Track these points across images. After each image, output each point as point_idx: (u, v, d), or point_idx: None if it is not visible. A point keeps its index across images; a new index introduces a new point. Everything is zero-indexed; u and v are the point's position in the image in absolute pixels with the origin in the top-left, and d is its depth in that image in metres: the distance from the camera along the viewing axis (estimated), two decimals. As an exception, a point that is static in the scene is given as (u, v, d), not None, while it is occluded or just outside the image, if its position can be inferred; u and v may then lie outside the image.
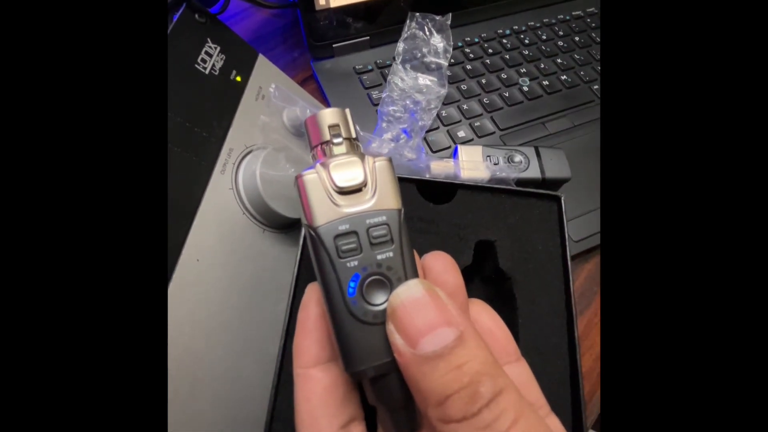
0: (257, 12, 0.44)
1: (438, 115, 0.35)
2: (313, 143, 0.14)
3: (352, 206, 0.12)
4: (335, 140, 0.13)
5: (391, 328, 0.11)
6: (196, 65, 0.22)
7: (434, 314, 0.11)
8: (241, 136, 0.23)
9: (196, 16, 0.23)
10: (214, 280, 0.19)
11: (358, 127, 0.14)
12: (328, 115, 0.13)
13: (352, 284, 0.12)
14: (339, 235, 0.12)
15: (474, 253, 0.20)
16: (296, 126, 0.26)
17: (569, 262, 0.19)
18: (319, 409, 0.12)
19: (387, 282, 0.12)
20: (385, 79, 0.36)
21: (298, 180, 0.12)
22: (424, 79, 0.35)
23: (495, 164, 0.28)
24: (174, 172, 0.19)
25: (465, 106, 0.35)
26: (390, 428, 0.13)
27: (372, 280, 0.12)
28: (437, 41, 0.35)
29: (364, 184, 0.12)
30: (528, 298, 0.19)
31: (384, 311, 0.12)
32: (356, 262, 0.12)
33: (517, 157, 0.28)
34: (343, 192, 0.12)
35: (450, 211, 0.20)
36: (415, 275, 0.12)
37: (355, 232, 0.12)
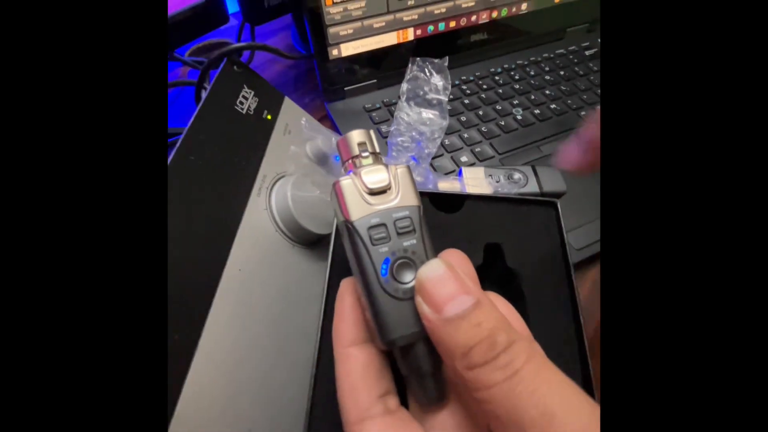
0: (276, 63, 0.49)
1: (442, 144, 0.38)
2: (345, 158, 0.16)
3: (380, 204, 0.15)
4: (363, 154, 0.16)
5: (419, 299, 0.13)
6: (236, 107, 0.26)
7: (454, 285, 0.13)
8: (272, 165, 0.26)
9: (234, 67, 0.27)
10: (253, 288, 0.22)
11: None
12: (356, 135, 0.16)
13: (384, 266, 0.14)
14: (371, 227, 0.14)
15: (484, 255, 0.22)
16: (317, 155, 0.29)
17: (570, 260, 0.22)
18: (359, 382, 0.14)
19: (412, 264, 0.14)
20: (392, 115, 0.40)
21: (335, 185, 0.15)
22: (427, 113, 0.39)
23: (497, 182, 0.31)
24: (218, 196, 0.22)
25: (466, 135, 0.39)
26: (419, 396, 0.15)
27: (400, 263, 0.14)
28: (437, 80, 0.40)
29: (389, 186, 0.15)
30: (535, 294, 0.21)
31: (411, 288, 0.14)
32: (386, 248, 0.14)
33: (516, 175, 0.31)
34: (373, 193, 0.15)
35: (459, 219, 0.23)
36: (435, 257, 0.15)
37: (384, 224, 0.14)
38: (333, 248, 0.21)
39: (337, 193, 0.15)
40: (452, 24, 0.43)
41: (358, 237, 0.14)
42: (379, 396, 0.14)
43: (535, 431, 0.11)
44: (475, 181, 0.30)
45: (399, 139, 0.37)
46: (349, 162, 0.16)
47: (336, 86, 0.41)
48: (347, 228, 0.15)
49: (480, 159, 0.37)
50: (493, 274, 0.23)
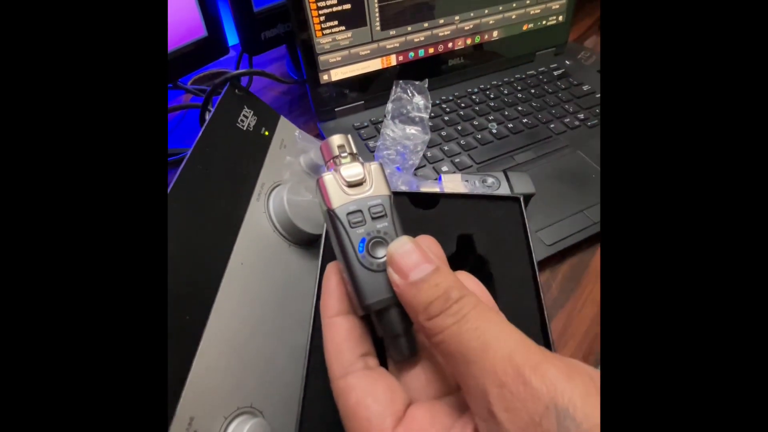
0: (272, 89, 0.54)
1: (424, 156, 0.42)
2: (327, 159, 0.19)
3: (357, 194, 0.18)
4: (342, 155, 0.19)
5: (390, 270, 0.16)
6: (237, 124, 0.29)
7: (417, 256, 0.16)
8: (269, 174, 0.30)
9: (236, 90, 0.31)
10: (254, 280, 0.24)
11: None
12: (336, 139, 0.19)
13: (361, 244, 0.17)
14: (349, 213, 0.17)
15: (456, 245, 0.25)
16: (310, 165, 0.32)
17: (531, 246, 0.25)
18: (343, 344, 0.17)
19: (384, 242, 0.17)
20: (379, 132, 0.44)
21: (319, 180, 0.18)
22: (411, 129, 0.43)
23: (473, 186, 0.34)
24: (223, 200, 0.25)
25: (446, 148, 0.43)
26: (395, 354, 0.17)
27: (374, 242, 0.17)
28: (419, 100, 0.44)
29: (364, 179, 0.18)
30: (502, 275, 0.24)
31: (383, 262, 0.17)
32: (362, 230, 0.17)
33: (490, 180, 0.34)
34: (350, 185, 0.18)
35: (435, 214, 0.26)
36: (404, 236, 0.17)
37: (360, 211, 0.17)
38: (324, 247, 0.24)
39: (320, 186, 0.18)
40: (431, 50, 0.48)
41: (339, 221, 0.17)
42: (360, 355, 0.17)
43: (476, 356, 0.13)
44: (453, 185, 0.34)
45: (385, 152, 0.41)
46: (330, 161, 0.19)
47: (327, 108, 0.45)
48: (330, 215, 0.17)
49: (459, 168, 0.41)
50: (466, 261, 0.26)
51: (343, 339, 0.17)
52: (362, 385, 0.16)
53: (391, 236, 0.17)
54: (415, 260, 0.15)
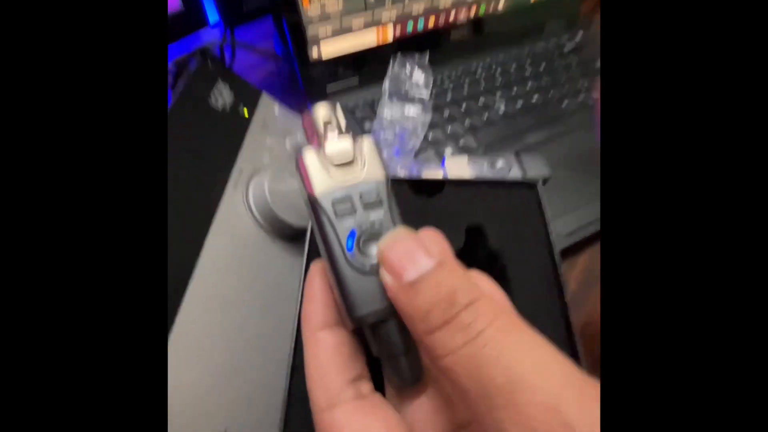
0: (258, 69, 0.49)
1: (425, 138, 0.38)
2: (309, 134, 0.15)
3: (345, 177, 0.14)
4: (329, 129, 0.15)
5: (382, 270, 0.12)
6: (209, 101, 0.25)
7: (413, 248, 0.12)
8: (249, 159, 0.26)
9: (209, 62, 0.27)
10: (230, 282, 0.21)
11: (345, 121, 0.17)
12: (321, 110, 0.15)
13: (350, 240, 0.13)
14: (336, 201, 0.14)
15: (465, 238, 0.21)
16: (297, 150, 0.29)
17: (553, 242, 0.21)
18: (328, 366, 0.13)
19: (380, 237, 0.13)
20: (375, 113, 0.40)
21: (298, 158, 0.14)
22: (410, 109, 0.39)
23: (480, 169, 0.31)
24: (190, 189, 0.22)
25: (449, 129, 0.39)
26: (393, 378, 0.14)
27: (367, 237, 0.13)
28: (419, 77, 0.40)
29: (355, 159, 0.14)
30: (519, 276, 0.21)
31: (361, 261, 0.13)
32: (352, 222, 0.13)
33: (500, 163, 0.31)
34: (338, 165, 0.14)
35: (440, 202, 0.22)
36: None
37: (349, 197, 0.14)
38: (309, 242, 0.20)
39: (300, 166, 0.14)
40: (431, 23, 0.44)
41: (323, 211, 0.14)
42: (350, 381, 0.13)
43: (502, 399, 0.10)
44: (459, 169, 0.30)
45: (382, 134, 0.37)
46: (313, 137, 0.15)
47: (318, 87, 0.41)
48: (311, 203, 0.14)
49: (464, 151, 0.37)
50: (476, 256, 0.22)
51: (329, 360, 0.13)
52: (353, 422, 0.12)
53: (388, 229, 0.14)
54: (413, 255, 0.12)
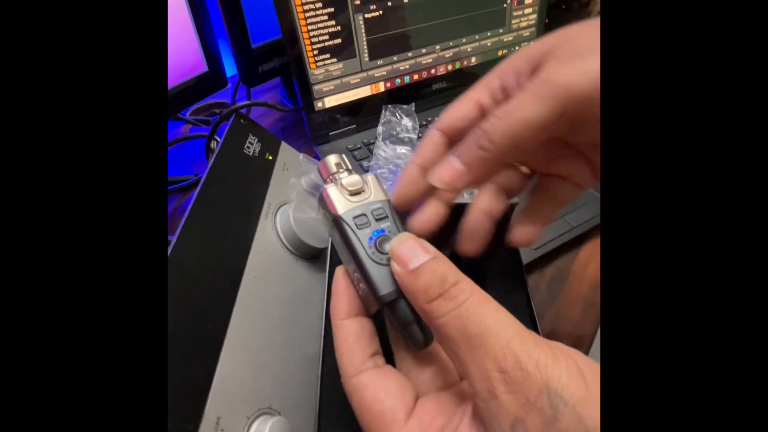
0: (269, 117, 0.57)
1: (415, 173, 0.45)
2: (326, 176, 0.21)
3: (359, 201, 0.19)
4: (340, 171, 0.20)
5: (393, 263, 0.17)
6: (244, 151, 0.32)
7: (416, 247, 0.17)
8: (275, 195, 0.32)
9: (241, 120, 0.33)
10: (267, 292, 0.27)
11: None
12: (333, 158, 0.21)
13: (369, 241, 0.18)
14: (355, 217, 0.19)
15: (449, 252, 0.27)
16: (312, 186, 0.35)
17: (521, 256, 0.27)
18: (354, 345, 0.18)
19: (390, 238, 0.18)
20: (372, 153, 0.47)
21: (323, 192, 0.19)
22: (401, 149, 0.46)
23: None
24: (235, 219, 0.28)
25: (435, 165, 0.46)
26: (410, 342, 0.18)
27: (381, 239, 0.18)
28: (407, 122, 0.47)
29: (363, 187, 0.19)
30: (493, 278, 0.26)
31: (382, 255, 0.18)
32: (369, 230, 0.18)
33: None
34: (352, 194, 0.19)
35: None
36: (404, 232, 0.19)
37: (364, 214, 0.19)
38: (330, 258, 0.26)
39: (325, 197, 0.19)
40: (416, 76, 0.52)
41: (347, 225, 0.18)
42: (369, 355, 0.18)
43: (477, 343, 0.14)
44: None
45: (378, 171, 0.44)
46: (329, 178, 0.20)
47: (322, 132, 0.48)
48: (337, 221, 0.18)
49: (448, 183, 0.44)
50: (458, 264, 0.28)
51: (354, 340, 0.18)
52: (375, 382, 0.17)
53: (395, 233, 0.19)
54: (414, 251, 0.17)
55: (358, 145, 0.48)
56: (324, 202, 0.19)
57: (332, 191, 0.19)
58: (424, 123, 0.51)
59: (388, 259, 0.18)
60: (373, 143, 0.48)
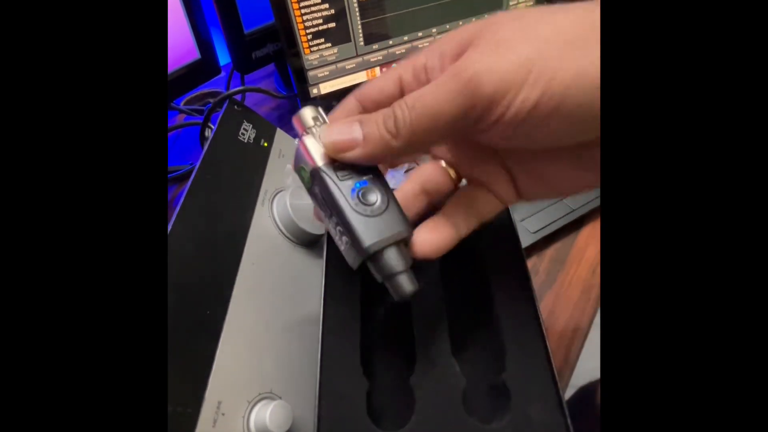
0: (264, 105, 0.56)
1: (413, 159, 0.45)
2: (301, 130, 0.19)
3: None
4: (317, 124, 0.18)
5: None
6: (239, 137, 0.31)
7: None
8: (271, 181, 0.32)
9: (235, 107, 0.33)
10: (265, 278, 0.26)
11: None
12: (309, 111, 0.19)
13: (352, 192, 0.17)
14: (336, 168, 0.17)
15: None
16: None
17: (519, 237, 0.27)
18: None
19: (373, 189, 0.17)
20: (369, 139, 0.46)
21: (300, 143, 0.18)
22: (398, 135, 0.46)
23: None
24: (231, 206, 0.27)
25: (432, 150, 0.45)
26: (397, 292, 0.18)
27: (364, 190, 0.17)
28: (404, 108, 0.47)
29: None
30: (493, 260, 0.26)
31: (377, 207, 0.17)
32: (351, 182, 0.17)
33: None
34: None
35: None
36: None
37: (345, 165, 0.17)
38: (327, 245, 0.25)
39: (302, 149, 0.18)
40: (412, 61, 0.51)
41: (327, 176, 0.17)
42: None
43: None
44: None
45: (376, 157, 0.44)
46: (305, 132, 0.19)
47: (318, 119, 0.48)
48: (317, 173, 0.17)
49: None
50: (458, 246, 0.28)
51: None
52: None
53: (378, 185, 0.18)
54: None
55: (355, 132, 0.48)
56: (301, 155, 0.18)
57: (310, 142, 0.18)
58: (422, 108, 0.51)
59: (372, 210, 0.17)
60: (370, 130, 0.48)
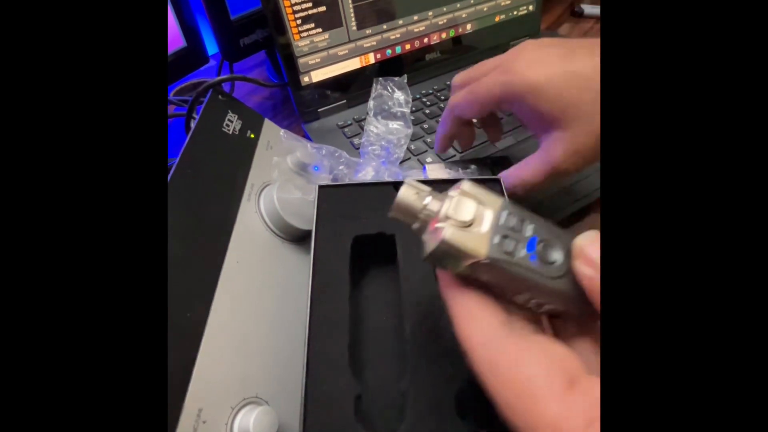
0: (255, 95, 0.54)
1: (408, 149, 0.43)
2: (412, 219, 0.15)
3: (486, 224, 0.14)
4: (425, 203, 0.15)
5: (578, 263, 0.14)
6: (223, 129, 0.30)
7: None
8: (258, 175, 0.30)
9: (219, 96, 0.31)
10: (251, 278, 0.25)
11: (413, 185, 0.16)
12: (407, 192, 0.15)
13: (533, 261, 0.14)
14: (502, 244, 0.14)
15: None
16: (297, 165, 0.33)
17: None
18: (477, 309, 0.15)
19: (550, 242, 0.15)
20: (363, 129, 0.45)
21: (441, 240, 0.14)
22: (393, 124, 0.44)
23: (455, 173, 0.36)
24: (213, 202, 0.26)
25: (429, 140, 0.44)
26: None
27: (542, 248, 0.14)
28: (399, 96, 0.45)
29: (474, 217, 0.14)
30: None
31: (560, 265, 0.14)
32: (521, 248, 0.14)
33: (471, 167, 0.36)
34: (469, 224, 0.14)
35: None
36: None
37: (506, 236, 0.14)
38: (315, 242, 0.24)
39: (450, 246, 0.14)
40: (408, 46, 0.49)
41: (500, 263, 0.14)
42: (501, 322, 0.14)
43: None
44: (437, 174, 0.35)
45: (370, 148, 0.42)
46: (421, 218, 0.15)
47: (310, 109, 0.46)
48: (488, 265, 0.14)
49: (443, 159, 0.42)
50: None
51: (476, 304, 0.15)
52: (515, 347, 0.13)
53: (542, 227, 0.15)
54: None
55: (349, 122, 0.46)
56: (450, 253, 0.14)
57: (454, 235, 0.14)
58: (418, 96, 0.49)
59: (559, 268, 0.14)
60: (365, 119, 0.46)
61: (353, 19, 0.44)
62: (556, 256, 0.14)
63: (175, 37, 0.43)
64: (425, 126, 0.45)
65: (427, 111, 0.47)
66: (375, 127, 0.44)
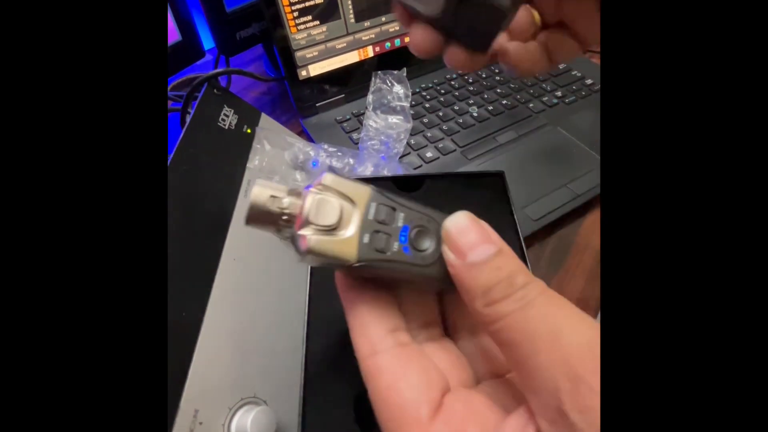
0: (253, 90, 0.54)
1: (408, 143, 0.42)
2: (272, 223, 0.14)
3: (353, 224, 0.13)
4: (283, 203, 0.13)
5: (444, 247, 0.14)
6: (219, 123, 0.29)
7: (478, 235, 0.13)
8: (254, 170, 0.30)
9: (215, 90, 0.31)
10: (248, 275, 0.25)
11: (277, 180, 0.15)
12: (260, 191, 0.13)
13: (406, 251, 0.14)
14: (372, 243, 0.13)
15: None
16: (294, 161, 0.33)
17: (516, 219, 0.25)
18: (368, 317, 0.14)
19: (426, 229, 0.14)
20: (362, 124, 0.44)
21: (307, 250, 0.13)
22: (393, 119, 0.43)
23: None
24: (209, 198, 0.25)
25: (429, 134, 0.43)
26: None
27: (415, 235, 0.14)
28: (398, 89, 0.44)
29: (340, 217, 0.13)
30: None
31: (431, 253, 0.14)
32: (393, 240, 0.13)
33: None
34: (334, 227, 0.13)
35: (421, 195, 0.26)
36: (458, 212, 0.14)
37: (378, 231, 0.13)
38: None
39: (319, 252, 0.13)
40: (407, 39, 0.48)
41: (374, 262, 0.13)
42: (389, 330, 0.14)
43: (544, 345, 0.11)
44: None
45: (369, 143, 0.41)
46: (282, 222, 0.13)
47: (308, 103, 0.45)
48: (357, 269, 0.13)
49: (443, 153, 0.41)
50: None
51: (368, 311, 0.14)
52: (393, 367, 0.13)
53: (414, 214, 0.14)
54: (475, 239, 0.13)
55: (348, 117, 0.46)
56: (320, 260, 0.13)
57: (320, 242, 0.13)
58: (418, 90, 0.48)
59: (426, 257, 0.14)
60: (364, 113, 0.45)
61: (351, 11, 0.43)
62: (428, 243, 0.14)
63: (170, 31, 0.42)
64: (425, 120, 0.44)
65: (427, 105, 0.46)
66: (374, 121, 0.44)
